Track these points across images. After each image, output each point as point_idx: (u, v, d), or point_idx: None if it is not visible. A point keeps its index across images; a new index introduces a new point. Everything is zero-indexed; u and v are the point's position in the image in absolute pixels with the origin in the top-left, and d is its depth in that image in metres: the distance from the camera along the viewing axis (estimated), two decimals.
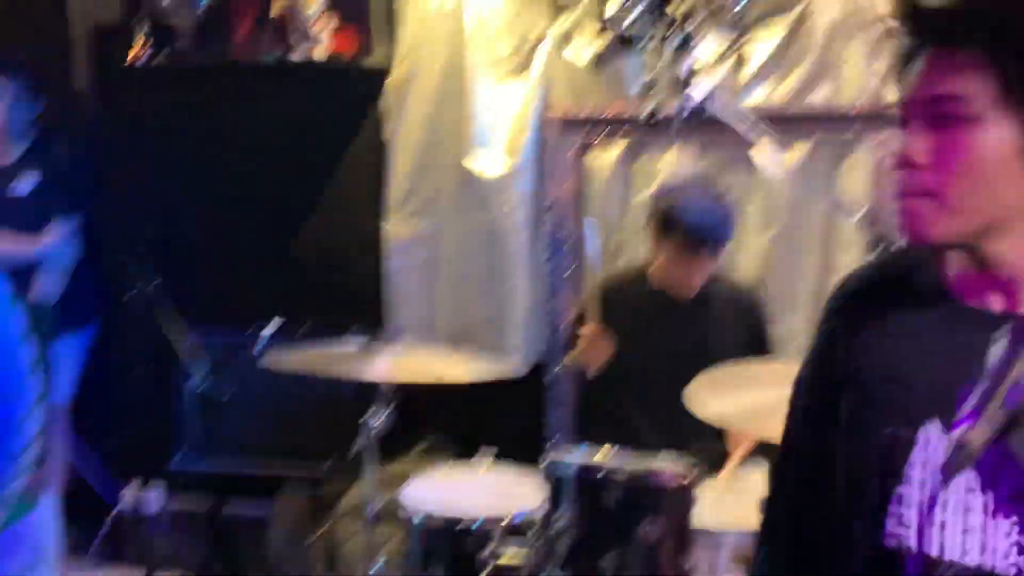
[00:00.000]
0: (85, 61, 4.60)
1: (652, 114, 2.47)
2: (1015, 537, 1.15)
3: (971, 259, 1.25)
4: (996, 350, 1.14)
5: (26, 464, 2.03)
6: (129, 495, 4.49)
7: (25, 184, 4.17)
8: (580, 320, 3.25)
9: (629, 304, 3.22)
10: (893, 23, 1.26)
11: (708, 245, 3.05)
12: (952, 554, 1.19)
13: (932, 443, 1.19)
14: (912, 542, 1.22)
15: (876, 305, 1.36)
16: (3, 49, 4.44)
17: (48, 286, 4.16)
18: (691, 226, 3.01)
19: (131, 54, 4.36)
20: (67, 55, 4.61)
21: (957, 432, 1.11)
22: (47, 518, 2.24)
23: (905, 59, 1.23)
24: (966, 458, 1.06)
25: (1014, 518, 1.15)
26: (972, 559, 1.17)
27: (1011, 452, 1.08)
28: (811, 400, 1.43)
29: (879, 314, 1.34)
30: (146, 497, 4.47)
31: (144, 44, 4.33)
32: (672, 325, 3.16)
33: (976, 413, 1.13)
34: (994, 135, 1.17)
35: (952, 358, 1.23)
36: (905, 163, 1.20)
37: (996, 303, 1.24)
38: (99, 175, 4.39)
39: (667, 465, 2.61)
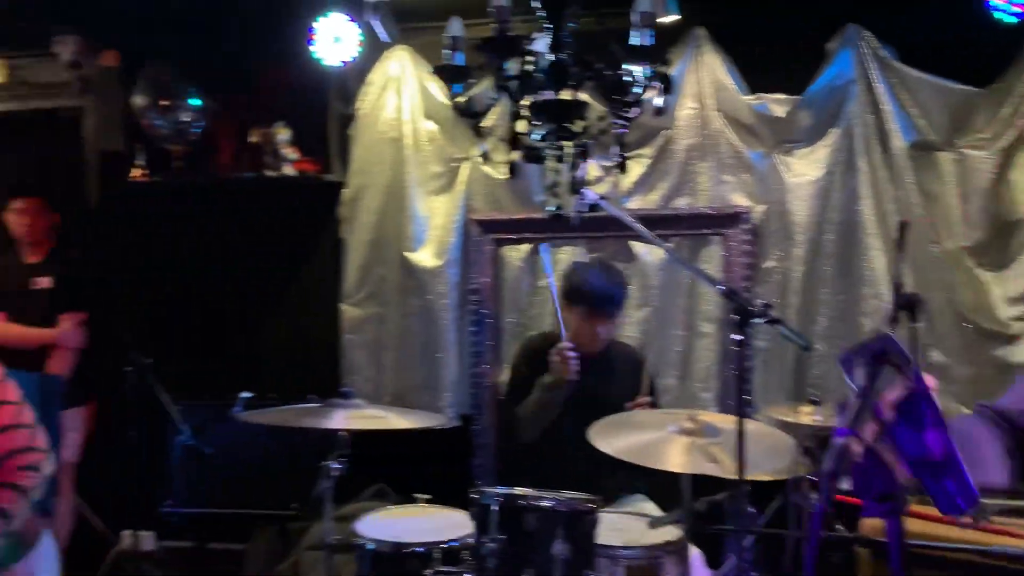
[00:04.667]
0: (94, 181, 4.43)
1: (557, 211, 2.39)
2: None
3: None
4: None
5: (36, 499, 1.86)
6: (126, 537, 4.21)
7: (43, 281, 3.98)
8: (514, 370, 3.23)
9: (547, 358, 3.15)
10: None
11: (607, 309, 3.08)
12: None
13: None
14: None
15: None
16: (27, 172, 4.27)
17: (60, 366, 3.93)
18: (594, 295, 3.05)
19: (132, 174, 4.20)
20: (80, 176, 4.43)
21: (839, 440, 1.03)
22: (48, 560, 2.02)
23: None
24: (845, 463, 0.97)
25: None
26: None
27: (881, 459, 1.00)
28: None
29: None
30: (141, 538, 4.19)
31: (143, 166, 4.18)
32: (582, 374, 3.10)
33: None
34: None
35: None
36: None
37: None
38: (104, 274, 4.21)
39: (574, 495, 2.51)
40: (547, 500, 2.43)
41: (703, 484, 2.42)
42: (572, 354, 2.99)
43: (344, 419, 2.72)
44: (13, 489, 1.82)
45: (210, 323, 4.25)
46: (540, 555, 2.35)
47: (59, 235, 4.08)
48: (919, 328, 2.54)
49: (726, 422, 2.41)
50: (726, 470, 2.25)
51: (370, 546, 2.71)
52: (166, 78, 4.00)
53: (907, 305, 2.55)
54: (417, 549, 2.64)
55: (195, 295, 4.26)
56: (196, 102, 4.02)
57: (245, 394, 3.43)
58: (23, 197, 3.95)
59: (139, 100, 4.02)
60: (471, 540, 2.58)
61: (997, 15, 3.21)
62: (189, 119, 4.02)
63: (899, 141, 3.43)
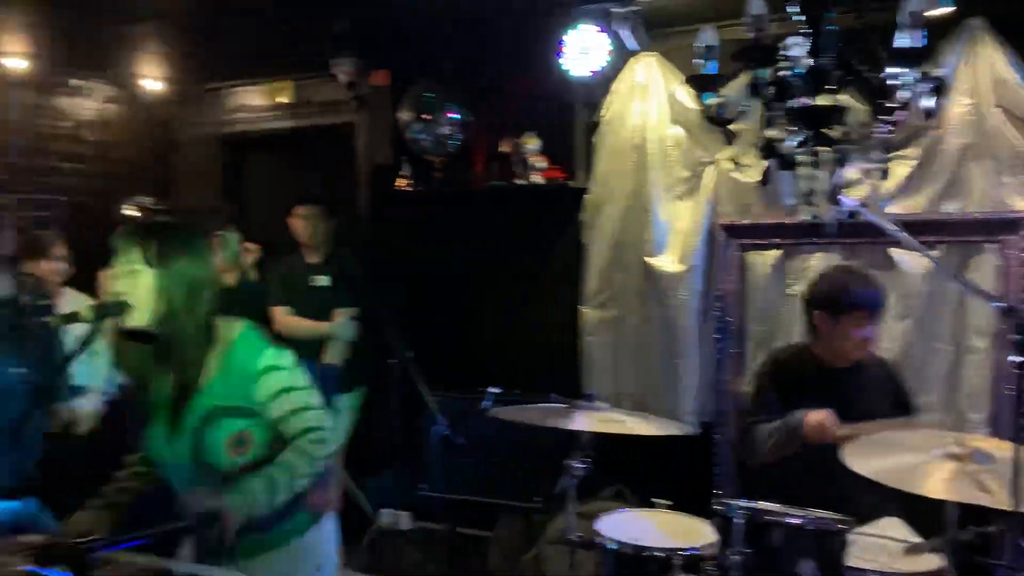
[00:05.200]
0: (366, 190, 4.84)
1: (810, 220, 2.31)
2: None
3: None
4: None
5: (319, 472, 2.06)
6: (386, 515, 4.56)
7: (322, 280, 4.39)
8: (759, 381, 3.11)
9: (795, 374, 3.04)
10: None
11: (871, 316, 2.88)
12: None
13: None
14: None
15: None
16: (310, 182, 4.73)
17: (334, 356, 4.33)
18: (857, 301, 2.86)
19: (398, 184, 4.54)
20: (353, 185, 4.86)
21: None
22: (330, 533, 2.24)
23: None
24: None
25: None
26: None
27: None
28: None
29: None
30: (399, 517, 4.53)
31: (408, 176, 4.51)
32: (833, 391, 2.95)
33: None
34: None
35: None
36: None
37: None
38: (373, 275, 4.58)
39: (823, 513, 2.41)
40: (795, 516, 2.35)
41: (969, 513, 2.23)
42: (832, 425, 2.79)
43: (587, 421, 2.79)
44: (301, 454, 2.02)
45: (463, 321, 4.49)
46: (786, 573, 2.28)
47: (335, 239, 4.50)
48: None
49: (1000, 448, 2.20)
50: (998, 500, 2.05)
51: (612, 546, 2.75)
52: (429, 95, 4.29)
53: None
54: (657, 553, 2.65)
55: (450, 295, 4.53)
56: (455, 116, 4.27)
57: (494, 390, 3.61)
58: (307, 204, 4.40)
59: (405, 116, 4.34)
60: (712, 550, 2.56)
61: None
62: (448, 132, 4.28)
63: None
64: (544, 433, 3.08)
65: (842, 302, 2.91)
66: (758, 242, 3.75)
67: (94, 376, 4.19)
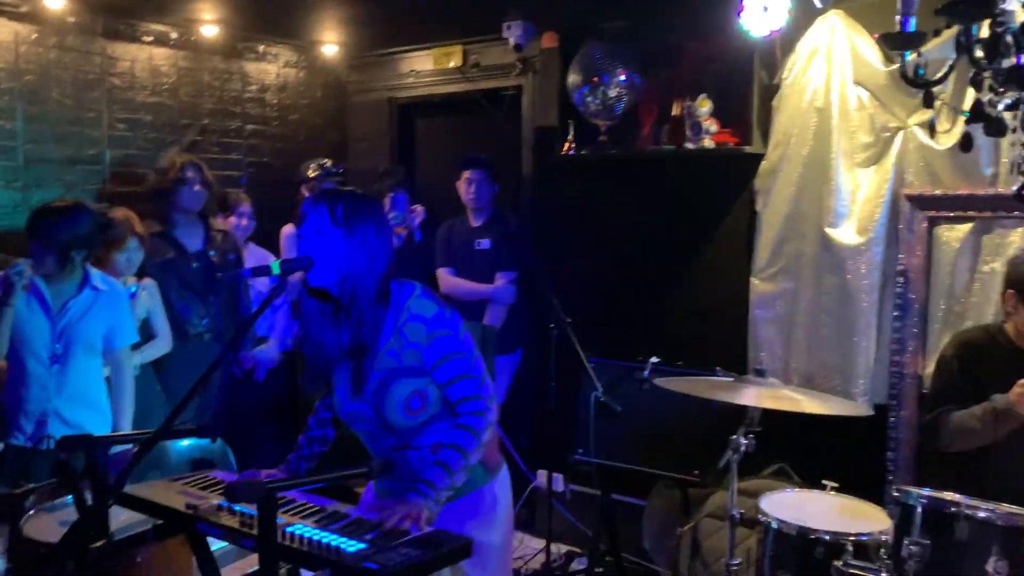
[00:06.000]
0: (531, 154, 4.86)
1: (1020, 191, 2.12)
2: None
3: None
4: None
5: (486, 440, 2.11)
6: (541, 478, 4.65)
7: (485, 242, 4.47)
8: (943, 364, 2.90)
9: (985, 356, 2.83)
10: None
11: None
12: None
13: None
14: None
15: None
16: (476, 146, 4.80)
17: (495, 317, 4.42)
18: None
19: (563, 148, 4.53)
20: (518, 149, 4.90)
21: None
22: (505, 485, 2.30)
23: None
24: None
25: None
26: None
27: None
28: None
29: None
30: (554, 480, 4.60)
31: (573, 141, 4.49)
32: None
33: None
34: None
35: None
36: None
37: None
38: (535, 239, 4.62)
39: (1014, 509, 2.24)
40: (983, 510, 2.21)
41: None
42: None
43: (756, 396, 2.71)
44: (465, 430, 2.08)
45: (625, 288, 4.46)
46: (971, 568, 2.15)
47: (500, 202, 4.57)
48: None
49: None
50: None
51: (774, 525, 2.68)
52: (598, 56, 4.23)
53: None
54: (823, 536, 2.56)
55: (613, 261, 4.49)
56: (624, 78, 4.20)
57: (654, 359, 3.57)
58: (471, 168, 4.47)
59: (573, 78, 4.31)
60: (886, 538, 2.44)
61: None
62: (616, 95, 4.22)
63: None
64: (701, 405, 3.03)
65: None
66: (948, 214, 3.48)
67: (275, 327, 4.47)
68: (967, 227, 3.46)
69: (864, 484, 3.00)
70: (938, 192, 3.47)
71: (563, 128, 4.52)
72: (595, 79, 4.22)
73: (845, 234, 3.67)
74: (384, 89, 5.54)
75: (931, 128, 2.80)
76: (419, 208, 4.68)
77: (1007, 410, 2.62)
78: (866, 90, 3.61)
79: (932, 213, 3.51)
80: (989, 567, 2.11)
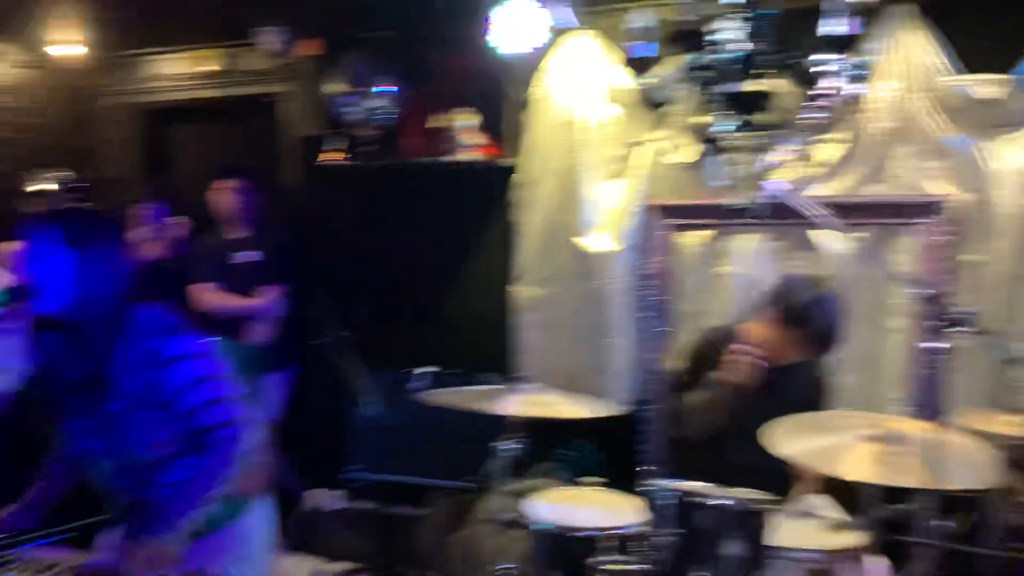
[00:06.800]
0: (294, 163, 4.71)
1: (738, 202, 2.33)
2: None
3: None
4: None
5: (241, 468, 2.00)
6: (315, 496, 4.50)
7: (247, 255, 4.27)
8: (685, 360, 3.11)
9: (720, 354, 3.06)
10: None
11: (825, 346, 2.84)
12: None
13: None
14: None
15: None
16: (235, 154, 4.59)
17: (261, 334, 4.23)
18: (823, 334, 2.81)
19: (326, 158, 4.43)
20: (281, 158, 4.73)
21: None
22: (262, 517, 2.19)
23: None
24: None
25: None
26: None
27: None
28: None
29: None
30: (328, 497, 4.47)
31: (338, 150, 4.41)
32: (765, 385, 2.95)
33: None
34: None
35: None
36: None
37: None
38: (302, 250, 4.48)
39: (749, 493, 2.45)
40: (721, 497, 2.39)
41: (890, 491, 2.30)
42: (747, 356, 2.79)
43: (518, 403, 2.77)
44: (215, 460, 1.97)
45: (400, 298, 4.43)
46: (710, 553, 2.32)
47: (262, 213, 4.38)
48: None
49: (917, 429, 2.27)
50: (913, 480, 2.12)
51: (541, 526, 2.76)
52: (361, 67, 4.18)
53: None
54: (585, 533, 2.66)
55: (387, 272, 4.44)
56: (387, 89, 4.18)
57: (426, 369, 3.58)
58: (226, 177, 4.25)
59: (335, 87, 4.23)
60: (640, 530, 2.58)
61: None
62: (379, 106, 4.19)
63: None
64: (475, 412, 3.07)
65: (803, 322, 2.80)
66: (688, 222, 3.78)
67: (6, 358, 4.00)
68: (704, 234, 3.77)
69: (625, 478, 3.16)
70: (679, 202, 3.75)
71: (327, 137, 4.42)
72: (358, 88, 4.17)
73: (598, 242, 3.88)
74: (135, 93, 5.14)
75: (670, 144, 3.03)
76: (177, 220, 4.38)
77: (722, 379, 2.84)
78: (613, 107, 3.83)
79: (675, 221, 3.79)
80: (726, 549, 2.28)
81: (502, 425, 2.90)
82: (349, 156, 4.36)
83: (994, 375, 3.23)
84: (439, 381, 3.40)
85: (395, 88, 4.20)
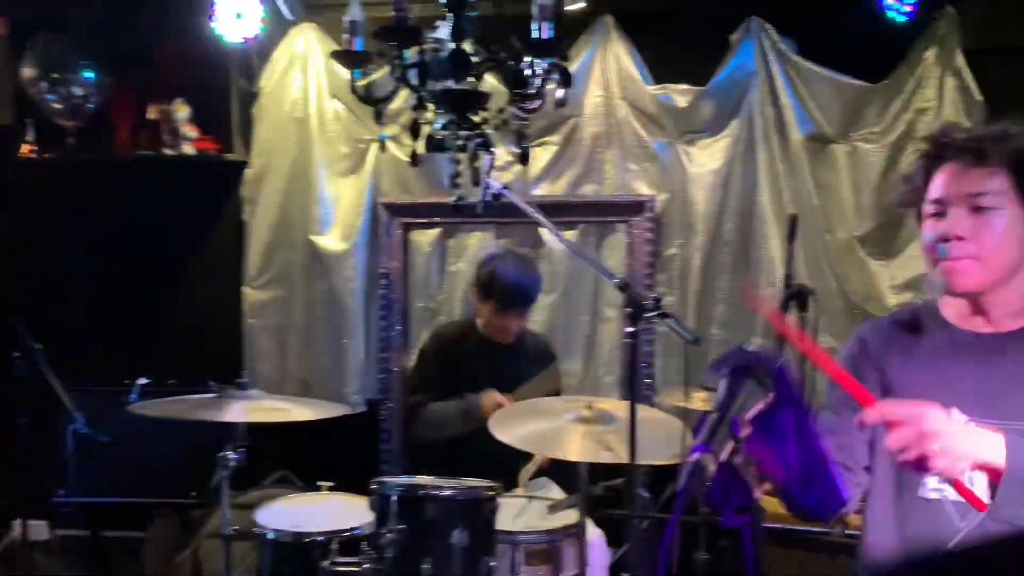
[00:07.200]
0: None
1: (458, 201, 2.38)
2: None
3: (971, 301, 1.43)
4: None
5: None
6: (17, 527, 4.04)
7: None
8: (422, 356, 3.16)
9: (457, 348, 3.16)
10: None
11: (518, 305, 3.05)
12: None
13: None
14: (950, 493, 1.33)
15: (895, 338, 1.51)
16: None
17: None
18: (508, 291, 3.01)
19: (21, 150, 3.97)
20: None
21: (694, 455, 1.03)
22: None
23: (927, 170, 1.44)
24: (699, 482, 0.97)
25: None
26: None
27: (738, 473, 1.01)
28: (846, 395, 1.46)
29: (899, 343, 1.50)
30: (32, 527, 4.03)
31: (33, 142, 3.96)
32: (495, 366, 3.11)
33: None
34: (1010, 216, 1.37)
35: (958, 367, 1.40)
36: (951, 237, 1.37)
37: (982, 327, 1.43)
38: None
39: (475, 482, 2.52)
40: (447, 489, 2.44)
41: (606, 469, 2.46)
42: (503, 405, 2.88)
43: (241, 411, 2.66)
44: None
45: (107, 307, 4.07)
46: (439, 544, 2.36)
47: None
48: (809, 317, 2.63)
49: (621, 409, 2.45)
50: (619, 456, 2.28)
51: (270, 535, 2.67)
52: (58, 50, 3.79)
53: (796, 296, 2.63)
54: (318, 538, 2.62)
55: (97, 276, 4.07)
56: (90, 76, 3.82)
57: (142, 380, 3.32)
58: None
59: (28, 72, 3.81)
60: (369, 529, 2.57)
61: (890, 14, 3.31)
62: (83, 93, 3.82)
63: (796, 133, 3.50)
64: (199, 423, 2.90)
65: (486, 290, 3.07)
66: (420, 221, 3.82)
67: None
68: (435, 232, 3.83)
69: (365, 479, 3.12)
70: (410, 201, 3.79)
71: (21, 128, 3.96)
72: (56, 75, 3.77)
73: (330, 241, 3.82)
74: None
75: (381, 147, 3.04)
76: None
77: (476, 413, 2.94)
78: (341, 103, 3.78)
79: (406, 220, 3.82)
80: (453, 539, 2.33)
81: (227, 434, 2.77)
82: (53, 149, 3.93)
83: (693, 356, 3.59)
84: (157, 392, 3.18)
85: (101, 75, 3.84)
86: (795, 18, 3.54)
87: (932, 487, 1.38)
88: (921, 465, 1.14)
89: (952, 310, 1.48)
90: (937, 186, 1.42)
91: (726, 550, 2.17)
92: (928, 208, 1.43)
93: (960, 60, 3.36)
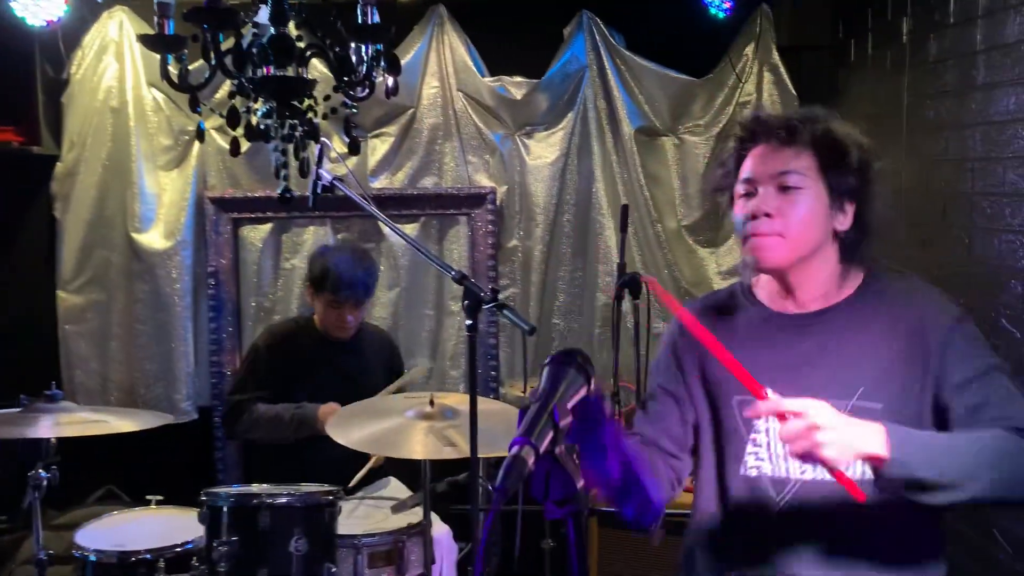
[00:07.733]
0: None
1: (285, 193, 2.27)
2: None
3: (779, 281, 1.48)
4: None
5: None
6: None
7: None
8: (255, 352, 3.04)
9: (294, 346, 3.05)
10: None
11: (354, 297, 2.97)
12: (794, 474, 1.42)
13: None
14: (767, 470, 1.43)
15: (709, 318, 1.53)
16: None
17: None
18: (340, 283, 2.93)
19: None
20: None
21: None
22: None
23: (739, 152, 1.49)
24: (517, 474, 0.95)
25: None
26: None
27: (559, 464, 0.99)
28: (666, 382, 1.57)
29: (712, 323, 1.50)
30: None
31: None
32: (332, 361, 3.03)
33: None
34: (814, 195, 1.42)
35: (764, 344, 1.46)
36: (760, 214, 1.41)
37: (790, 308, 1.49)
38: None
39: (313, 487, 2.43)
40: (283, 496, 2.33)
41: (452, 463, 2.42)
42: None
43: (51, 426, 2.44)
44: None
45: None
46: (277, 553, 2.25)
47: None
48: (640, 304, 2.70)
49: (463, 403, 2.42)
50: (462, 451, 2.25)
51: (91, 557, 2.48)
52: None
53: (629, 284, 2.70)
54: (145, 556, 2.45)
55: None
56: None
57: None
58: None
59: None
60: (201, 542, 2.43)
61: (712, 10, 3.44)
62: None
63: (627, 127, 3.59)
64: (6, 441, 2.64)
65: (318, 283, 2.99)
66: (250, 216, 3.65)
67: None
68: (268, 227, 3.68)
69: (198, 489, 2.95)
70: (239, 195, 3.60)
71: None
72: None
73: (153, 239, 3.59)
74: None
75: (200, 137, 2.86)
76: None
77: (312, 423, 2.83)
78: (160, 92, 3.55)
79: (236, 215, 3.64)
80: (291, 547, 2.23)
81: (37, 452, 2.54)
82: None
83: (536, 346, 3.62)
84: None
85: None
86: (623, 12, 3.62)
87: (751, 465, 1.44)
88: (809, 456, 1.19)
89: (764, 292, 1.54)
90: (748, 167, 1.47)
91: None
92: (739, 188, 1.48)
93: (775, 56, 3.54)
